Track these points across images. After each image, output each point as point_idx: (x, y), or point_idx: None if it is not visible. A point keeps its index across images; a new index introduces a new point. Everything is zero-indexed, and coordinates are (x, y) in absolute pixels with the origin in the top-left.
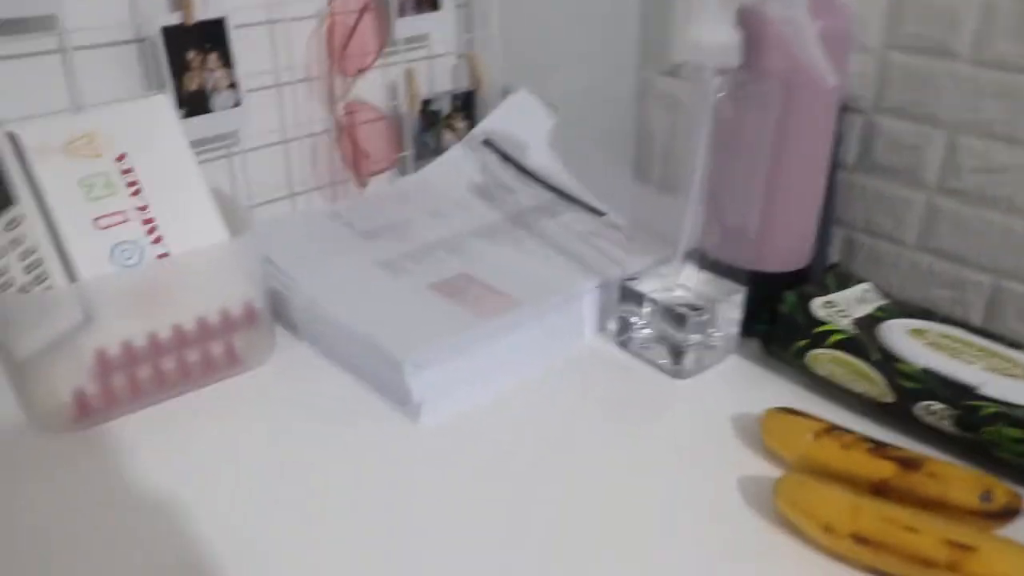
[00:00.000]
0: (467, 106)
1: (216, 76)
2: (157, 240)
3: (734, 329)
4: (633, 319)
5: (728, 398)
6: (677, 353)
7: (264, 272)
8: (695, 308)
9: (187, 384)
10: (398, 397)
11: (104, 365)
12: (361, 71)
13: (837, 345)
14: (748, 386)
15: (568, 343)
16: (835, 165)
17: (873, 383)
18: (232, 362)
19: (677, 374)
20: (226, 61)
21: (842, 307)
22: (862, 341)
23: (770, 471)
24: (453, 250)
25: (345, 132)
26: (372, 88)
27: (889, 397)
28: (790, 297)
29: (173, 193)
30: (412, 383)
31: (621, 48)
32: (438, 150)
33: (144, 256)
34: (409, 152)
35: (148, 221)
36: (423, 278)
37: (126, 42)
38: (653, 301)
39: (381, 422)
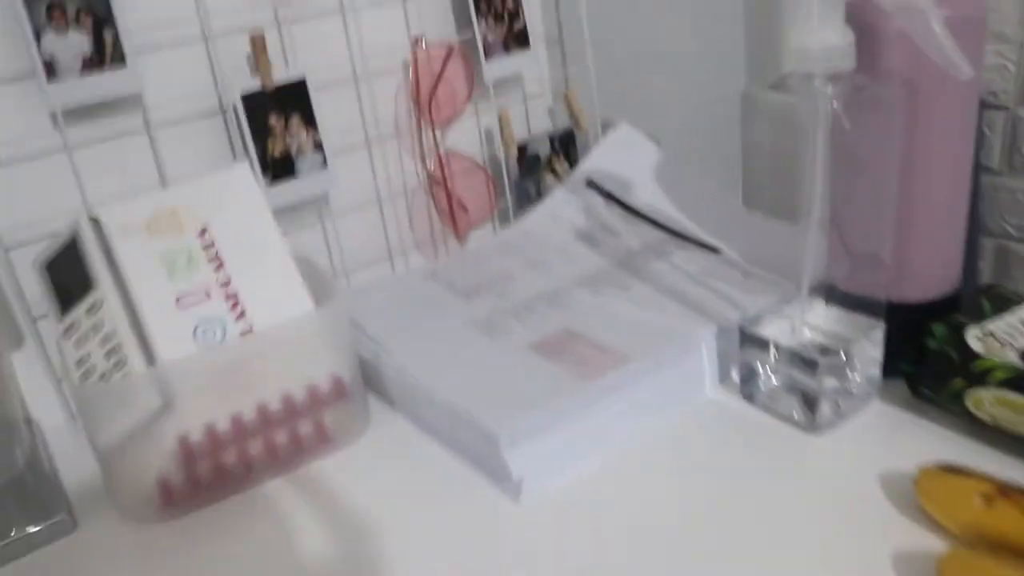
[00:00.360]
0: (567, 147)
1: (300, 139)
2: (241, 315)
3: (875, 371)
4: (758, 367)
5: (873, 453)
6: (810, 403)
7: (355, 341)
8: (827, 350)
9: (276, 467)
10: (497, 473)
11: (187, 451)
12: (451, 120)
13: (1003, 383)
14: (896, 437)
15: (687, 398)
16: (978, 169)
17: None
18: (323, 440)
19: (812, 428)
20: (309, 122)
21: (1004, 336)
22: None
23: (930, 543)
24: (555, 303)
25: (439, 186)
26: (465, 137)
27: None
28: (939, 329)
29: (256, 265)
30: (509, 458)
31: (725, 65)
32: (540, 195)
33: (227, 333)
34: (509, 200)
35: (231, 296)
36: (523, 337)
37: (208, 113)
38: (777, 346)
39: (480, 500)
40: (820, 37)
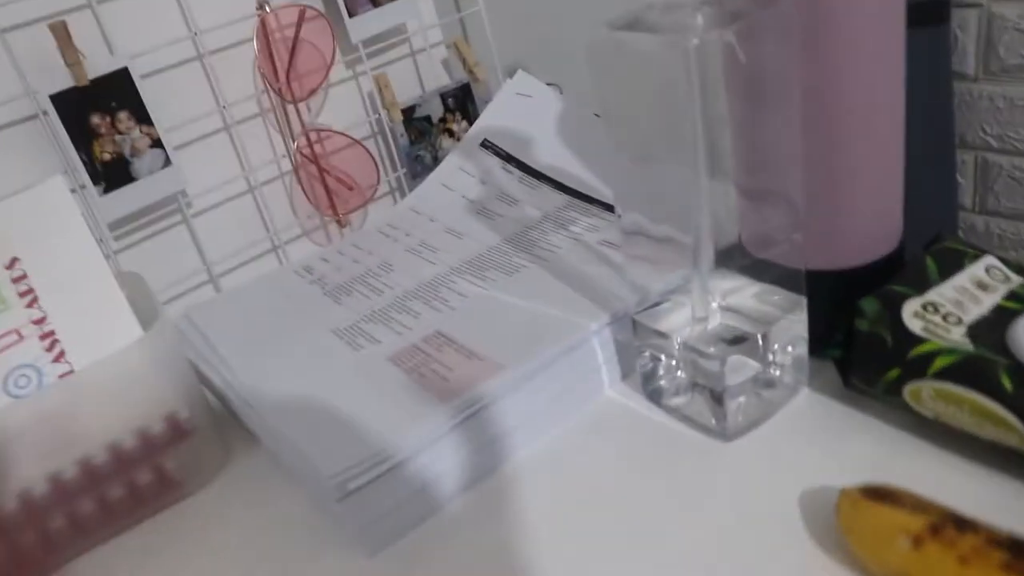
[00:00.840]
0: (463, 104)
1: (133, 137)
2: (59, 357)
3: (801, 355)
4: (660, 363)
5: (797, 462)
6: (719, 405)
7: (195, 370)
8: (737, 339)
9: (117, 523)
10: (342, 524)
11: (2, 525)
12: (315, 91)
13: (943, 374)
14: (825, 438)
15: (579, 404)
16: (949, 78)
17: (1007, 427)
18: (166, 488)
19: (723, 434)
20: (141, 117)
21: (950, 307)
22: (983, 362)
23: None
24: (431, 299)
25: (310, 168)
26: (343, 107)
27: None
28: (869, 305)
29: (76, 295)
30: (345, 512)
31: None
32: (436, 161)
33: (43, 380)
34: (401, 172)
35: (47, 335)
36: (385, 347)
37: (21, 121)
38: (671, 339)
39: (334, 555)
40: None
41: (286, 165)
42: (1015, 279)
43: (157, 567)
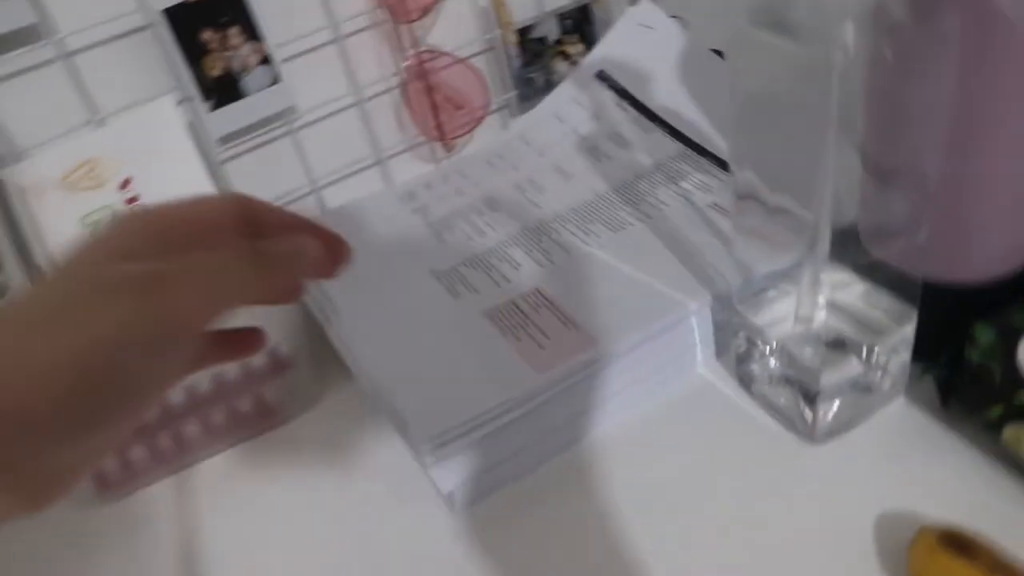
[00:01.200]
0: (580, 25)
1: (243, 53)
2: None
3: (903, 362)
4: (755, 351)
5: (879, 479)
6: (811, 406)
7: (311, 293)
8: (838, 342)
9: (218, 443)
10: (431, 479)
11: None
12: (427, 11)
13: None
14: (913, 457)
15: (671, 381)
16: None
17: None
18: (266, 415)
19: (811, 435)
20: (252, 34)
21: None
22: None
23: None
24: (534, 248)
25: (419, 88)
26: (456, 23)
27: None
28: (984, 333)
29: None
30: (436, 474)
31: None
32: (549, 86)
33: None
34: (512, 95)
35: None
36: (484, 297)
37: (130, 32)
38: (771, 331)
39: (419, 504)
40: None
41: (395, 82)
42: None
43: (248, 486)
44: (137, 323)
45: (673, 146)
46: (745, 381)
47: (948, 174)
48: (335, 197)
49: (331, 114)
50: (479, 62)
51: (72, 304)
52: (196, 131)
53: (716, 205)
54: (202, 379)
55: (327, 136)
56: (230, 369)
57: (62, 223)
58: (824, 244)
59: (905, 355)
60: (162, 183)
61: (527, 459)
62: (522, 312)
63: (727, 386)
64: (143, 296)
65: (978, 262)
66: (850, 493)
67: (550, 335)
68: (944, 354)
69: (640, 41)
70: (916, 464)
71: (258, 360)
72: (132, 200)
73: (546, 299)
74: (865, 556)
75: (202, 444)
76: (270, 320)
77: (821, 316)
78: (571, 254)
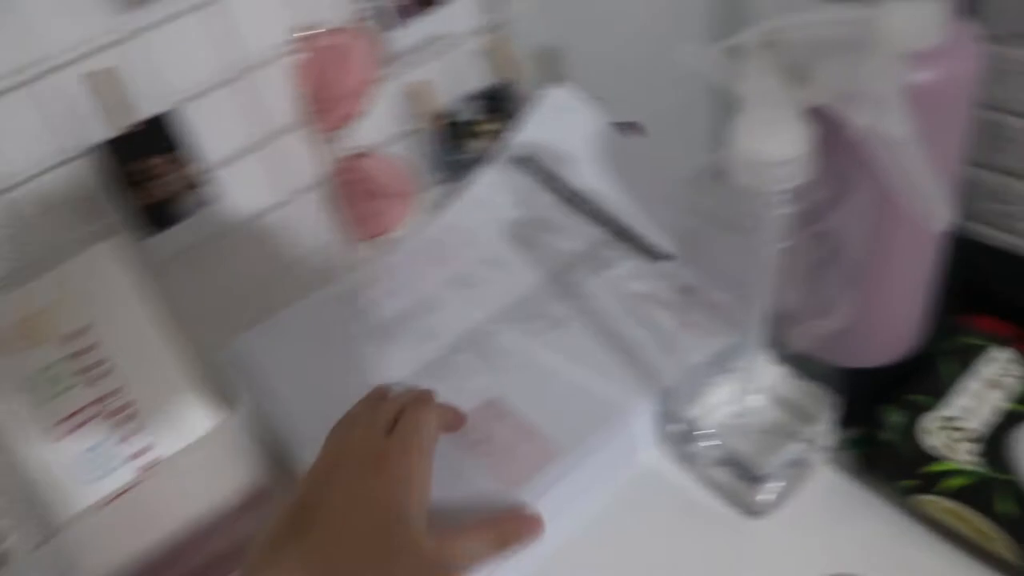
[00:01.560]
0: (502, 105)
1: (173, 179)
2: (133, 432)
3: (827, 437)
4: (694, 436)
5: (819, 547)
6: (756, 486)
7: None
8: (776, 427)
9: None
10: None
11: None
12: (349, 119)
13: (952, 494)
14: (845, 522)
15: (617, 471)
16: None
17: (1006, 548)
18: (242, 549)
19: (754, 512)
20: (182, 158)
21: (963, 418)
22: (990, 486)
23: None
24: (481, 352)
25: (346, 187)
26: (374, 118)
27: None
28: (892, 416)
29: (144, 367)
30: None
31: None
32: (471, 164)
33: (116, 461)
34: (437, 181)
35: (119, 411)
36: None
37: (57, 166)
38: (711, 417)
39: None
40: (771, 146)
41: (321, 185)
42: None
43: None
44: None
45: (597, 232)
46: (686, 463)
47: (853, 288)
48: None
49: (261, 221)
50: (402, 152)
51: None
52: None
53: (648, 296)
54: (178, 528)
55: (258, 243)
56: (207, 513)
57: (4, 384)
58: (758, 336)
59: (826, 440)
60: (116, 334)
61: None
62: (485, 424)
63: (668, 470)
64: None
65: (881, 350)
66: (795, 561)
67: (514, 449)
68: (861, 429)
69: (561, 124)
70: (847, 528)
71: (238, 498)
72: (84, 351)
73: (504, 411)
74: None
75: None
76: (244, 459)
77: (758, 403)
78: (515, 356)
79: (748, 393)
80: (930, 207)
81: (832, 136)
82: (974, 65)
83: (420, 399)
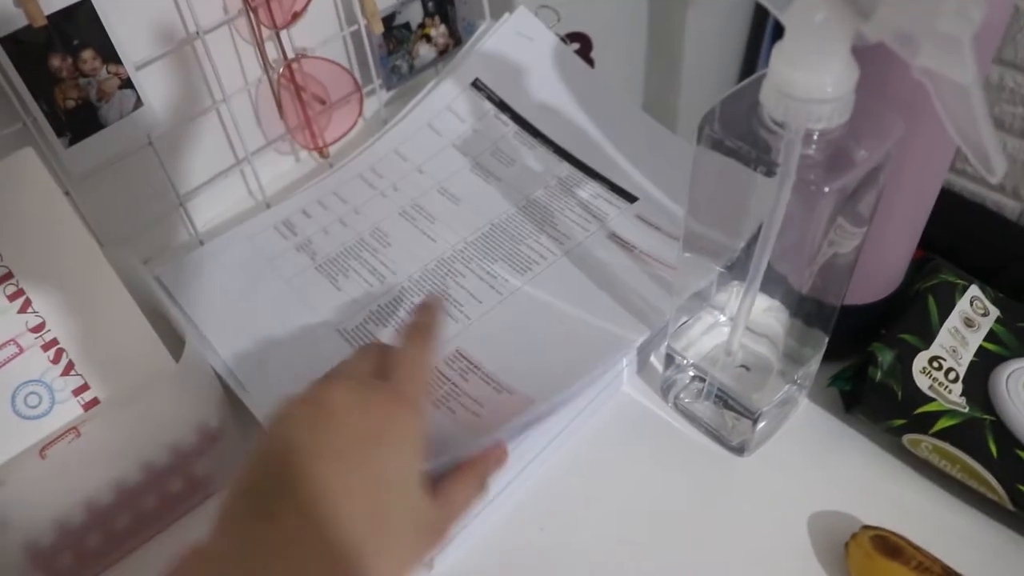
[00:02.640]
0: (442, 6)
1: (100, 78)
2: (68, 369)
3: (812, 375)
4: (679, 370)
5: (804, 485)
6: (751, 425)
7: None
8: (764, 366)
9: (147, 531)
10: None
11: (40, 559)
12: (296, 18)
13: (943, 435)
14: (827, 460)
15: (599, 405)
16: None
17: (990, 487)
18: (197, 490)
19: (741, 450)
20: (108, 55)
21: (949, 359)
22: (975, 426)
23: None
24: (441, 294)
25: (288, 90)
26: (315, 19)
27: (1009, 506)
28: (884, 355)
29: (72, 289)
30: None
31: None
32: (412, 71)
33: (55, 397)
34: (376, 84)
35: (50, 344)
36: None
37: None
38: (704, 374)
39: None
40: (814, 80)
41: (261, 87)
42: (992, 311)
43: None
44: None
45: (561, 166)
46: (670, 397)
47: None
48: (202, 213)
49: (193, 125)
50: (342, 56)
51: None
52: (55, 173)
53: (615, 236)
54: (131, 471)
55: (189, 150)
56: (159, 455)
57: None
58: (755, 275)
59: (814, 370)
60: (38, 257)
61: None
62: (450, 381)
63: (651, 402)
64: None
65: (871, 289)
66: (780, 499)
67: (484, 404)
68: (848, 368)
69: (518, 52)
70: (830, 465)
71: (188, 439)
72: (4, 278)
73: (471, 363)
74: (805, 555)
75: (133, 534)
76: (195, 395)
77: (747, 339)
78: (483, 303)
79: (737, 329)
80: (986, 157)
81: (878, 77)
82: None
83: (416, 334)
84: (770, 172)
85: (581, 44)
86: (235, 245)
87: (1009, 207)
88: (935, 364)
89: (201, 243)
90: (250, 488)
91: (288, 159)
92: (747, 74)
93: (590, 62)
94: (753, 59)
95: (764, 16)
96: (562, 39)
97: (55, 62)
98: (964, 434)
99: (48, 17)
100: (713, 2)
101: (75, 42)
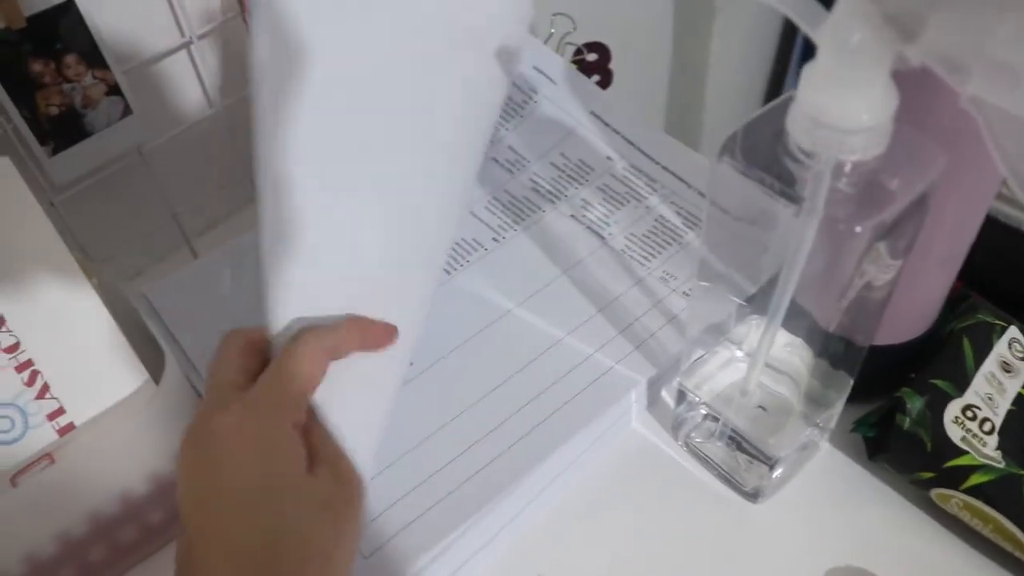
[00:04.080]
0: None
1: (84, 84)
2: (43, 392)
3: (833, 420)
4: (691, 409)
5: (822, 533)
6: (767, 471)
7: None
8: (784, 408)
9: (124, 563)
10: None
11: None
12: None
13: (975, 491)
14: (848, 506)
15: (607, 443)
16: None
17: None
18: (176, 521)
19: (755, 496)
20: (93, 60)
21: (985, 409)
22: (1011, 484)
23: None
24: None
25: None
26: None
27: None
28: (914, 402)
29: (53, 310)
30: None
31: None
32: None
33: (28, 421)
34: None
35: (25, 366)
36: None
37: None
38: (718, 414)
39: None
40: (847, 108)
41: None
42: None
43: None
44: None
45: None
46: (680, 436)
47: None
48: (197, 225)
49: (186, 134)
50: None
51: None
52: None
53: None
54: (109, 501)
55: (182, 160)
56: (138, 484)
57: None
58: (777, 311)
59: (833, 422)
60: (14, 275)
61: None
62: None
63: (661, 440)
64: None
65: (902, 329)
66: (795, 551)
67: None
68: (873, 413)
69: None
70: (851, 516)
71: (169, 466)
72: None
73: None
74: None
75: (111, 567)
76: (177, 420)
77: (767, 378)
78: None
79: (755, 366)
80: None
81: (919, 104)
82: None
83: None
84: (795, 206)
85: (599, 55)
86: (230, 260)
87: None
88: (969, 414)
89: (196, 256)
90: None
91: None
92: (776, 84)
93: (608, 73)
94: (782, 71)
95: (794, 29)
96: (579, 49)
97: (37, 66)
98: (999, 492)
99: (29, 19)
100: (741, 12)
101: (58, 46)
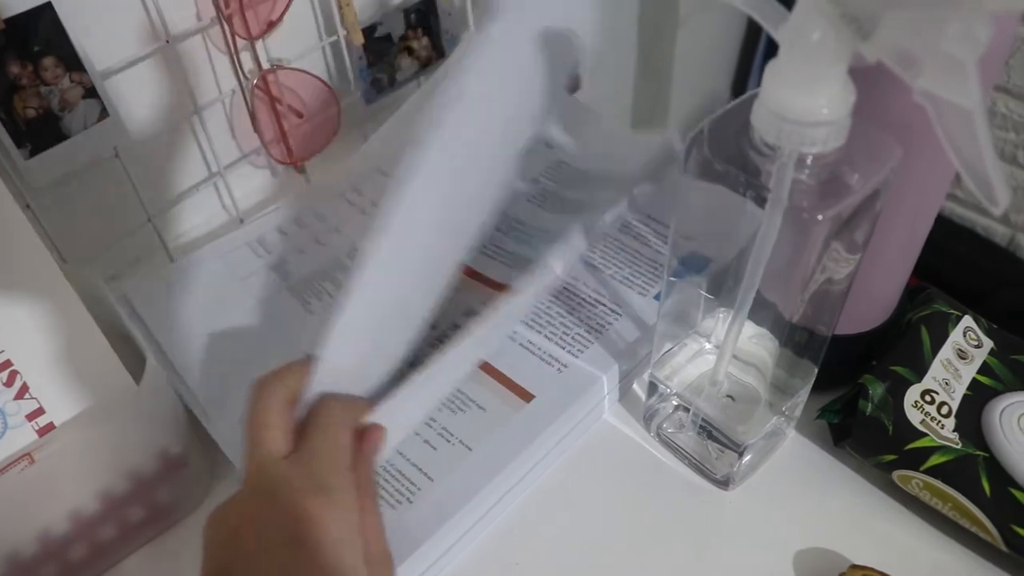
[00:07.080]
0: (425, 19)
1: (62, 87)
2: (22, 391)
3: (800, 407)
4: (662, 400)
5: (789, 520)
6: (737, 458)
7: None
8: (751, 397)
9: (105, 563)
10: None
11: None
12: (272, 26)
13: (935, 472)
14: (815, 491)
15: (582, 432)
16: None
17: (982, 527)
18: (159, 518)
19: (726, 483)
20: (71, 63)
21: (942, 393)
22: (967, 463)
23: None
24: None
25: (263, 104)
26: (293, 30)
27: (1002, 546)
28: (875, 388)
29: (31, 311)
30: None
31: None
32: (392, 84)
33: (7, 421)
34: (356, 97)
35: (5, 366)
36: None
37: None
38: (688, 404)
39: None
40: (808, 102)
41: (235, 99)
42: (986, 343)
43: None
44: None
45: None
46: (652, 427)
47: None
48: (174, 228)
49: (163, 137)
50: (321, 68)
51: None
52: (14, 186)
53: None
54: (89, 500)
55: (159, 163)
56: (118, 483)
57: None
58: (743, 302)
59: (802, 402)
60: None
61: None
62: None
63: (634, 431)
64: None
65: (862, 319)
66: (766, 535)
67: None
68: (837, 400)
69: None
70: (818, 500)
71: (149, 465)
72: None
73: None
74: None
75: (92, 566)
76: (156, 420)
77: (735, 368)
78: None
79: (723, 357)
80: (990, 186)
81: (875, 99)
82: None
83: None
84: (760, 198)
85: None
86: (207, 263)
87: (999, 233)
88: (927, 398)
89: (172, 260)
90: None
91: (263, 173)
92: (740, 85)
93: (576, 79)
94: (746, 72)
95: (757, 30)
96: None
97: (14, 69)
98: (956, 471)
99: (6, 21)
100: (705, 17)
101: (36, 48)
